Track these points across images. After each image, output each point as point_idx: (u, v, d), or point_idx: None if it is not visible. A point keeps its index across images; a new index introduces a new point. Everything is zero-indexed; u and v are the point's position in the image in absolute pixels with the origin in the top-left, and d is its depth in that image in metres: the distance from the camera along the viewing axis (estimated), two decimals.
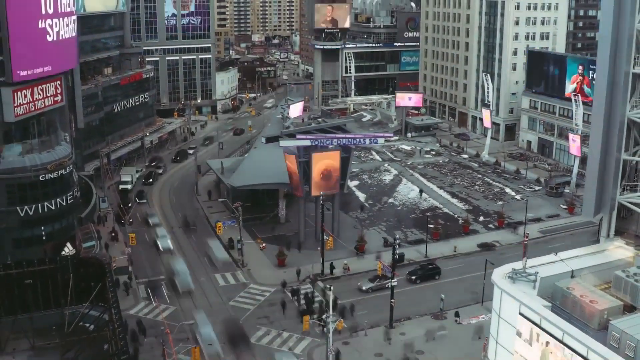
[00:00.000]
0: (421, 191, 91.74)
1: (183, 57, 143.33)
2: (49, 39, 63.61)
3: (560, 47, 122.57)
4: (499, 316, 37.90)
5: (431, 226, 75.36)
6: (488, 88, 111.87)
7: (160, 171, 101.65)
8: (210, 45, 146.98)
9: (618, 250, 40.94)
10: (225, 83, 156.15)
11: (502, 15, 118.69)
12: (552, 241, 73.38)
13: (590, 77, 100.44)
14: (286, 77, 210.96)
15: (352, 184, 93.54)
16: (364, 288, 62.95)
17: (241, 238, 69.91)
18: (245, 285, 64.50)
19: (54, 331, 51.96)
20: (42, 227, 61.97)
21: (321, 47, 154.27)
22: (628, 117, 40.16)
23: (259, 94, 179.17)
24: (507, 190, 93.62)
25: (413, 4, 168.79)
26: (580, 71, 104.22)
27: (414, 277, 65.31)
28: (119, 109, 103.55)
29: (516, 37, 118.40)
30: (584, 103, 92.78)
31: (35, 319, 51.49)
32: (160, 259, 69.98)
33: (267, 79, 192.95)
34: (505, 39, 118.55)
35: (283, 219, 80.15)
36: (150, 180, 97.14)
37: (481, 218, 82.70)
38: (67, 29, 66.69)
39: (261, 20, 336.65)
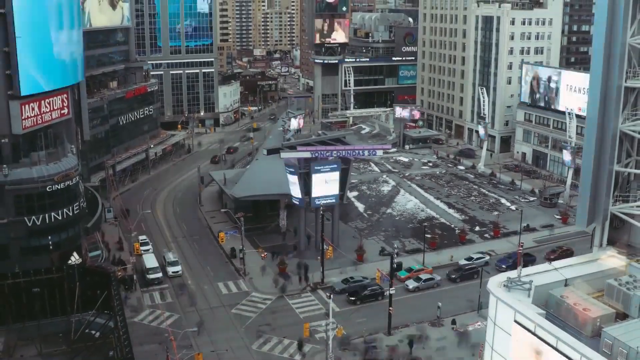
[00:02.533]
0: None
1: (186, 71, 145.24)
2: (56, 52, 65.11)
3: (554, 61, 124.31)
4: (494, 323, 38.71)
5: (428, 236, 76.81)
6: (484, 101, 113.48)
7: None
8: (213, 59, 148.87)
9: (611, 259, 41.57)
10: (227, 96, 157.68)
11: (498, 30, 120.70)
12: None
13: None
14: (291, 91, 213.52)
15: (352, 194, 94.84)
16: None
17: (243, 247, 71.15)
18: (247, 294, 65.66)
19: (60, 338, 52.92)
20: (49, 237, 62.58)
21: (321, 61, 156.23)
22: (620, 129, 40.74)
23: (260, 107, 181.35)
24: (503, 200, 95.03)
25: (410, 19, 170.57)
26: None
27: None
28: (124, 122, 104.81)
29: (511, 52, 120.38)
30: (577, 116, 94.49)
31: (43, 326, 52.53)
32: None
33: (269, 92, 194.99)
34: (500, 54, 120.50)
35: (284, 229, 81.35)
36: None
37: (477, 228, 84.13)
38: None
39: (263, 35, 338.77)
